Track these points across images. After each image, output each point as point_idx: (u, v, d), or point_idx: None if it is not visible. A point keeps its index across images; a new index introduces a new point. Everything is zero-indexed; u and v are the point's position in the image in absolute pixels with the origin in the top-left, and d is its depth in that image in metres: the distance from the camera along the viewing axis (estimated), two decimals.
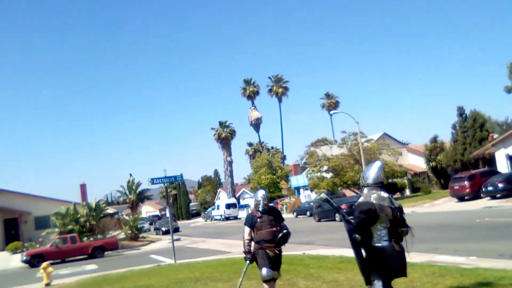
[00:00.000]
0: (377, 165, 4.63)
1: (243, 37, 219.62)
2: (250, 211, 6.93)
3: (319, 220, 28.91)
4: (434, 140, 41.28)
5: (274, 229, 6.34)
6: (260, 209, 6.40)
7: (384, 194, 4.37)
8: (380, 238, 4.24)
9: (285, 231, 6.37)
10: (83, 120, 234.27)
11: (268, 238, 6.29)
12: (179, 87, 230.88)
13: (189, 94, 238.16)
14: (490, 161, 32.78)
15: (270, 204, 7.04)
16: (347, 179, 36.26)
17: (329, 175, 38.93)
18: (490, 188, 25.14)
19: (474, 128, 35.11)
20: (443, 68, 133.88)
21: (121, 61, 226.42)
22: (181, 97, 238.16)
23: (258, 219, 6.37)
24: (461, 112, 36.84)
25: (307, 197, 47.26)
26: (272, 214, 6.50)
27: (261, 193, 6.61)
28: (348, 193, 39.87)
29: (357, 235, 4.27)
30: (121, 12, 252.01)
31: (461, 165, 35.34)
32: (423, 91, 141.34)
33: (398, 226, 4.35)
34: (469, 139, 35.15)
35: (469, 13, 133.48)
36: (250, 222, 6.44)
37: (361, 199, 4.41)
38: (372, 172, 4.53)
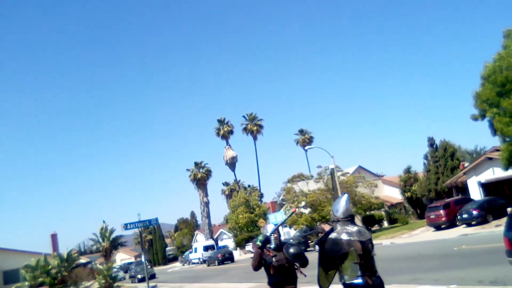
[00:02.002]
0: (344, 198, 4.59)
1: (214, 76, 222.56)
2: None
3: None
4: (408, 171, 41.87)
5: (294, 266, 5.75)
6: (272, 246, 5.73)
7: (353, 228, 4.31)
8: (353, 275, 4.13)
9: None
10: (52, 167, 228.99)
11: (289, 279, 5.68)
12: (151, 129, 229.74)
13: (162, 136, 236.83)
14: (463, 189, 33.32)
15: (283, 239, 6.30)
16: (326, 213, 36.12)
17: (307, 211, 38.74)
18: (465, 216, 25.40)
19: (445, 158, 35.90)
20: (412, 99, 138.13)
21: (91, 105, 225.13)
22: (154, 139, 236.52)
23: (274, 258, 5.67)
24: (431, 142, 37.67)
25: (286, 234, 46.69)
26: None
27: (270, 227, 5.92)
28: (327, 227, 39.64)
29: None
30: (91, 54, 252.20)
31: (435, 194, 35.81)
32: (395, 122, 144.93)
33: (371, 258, 4.25)
34: (441, 168, 35.84)
35: (433, 45, 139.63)
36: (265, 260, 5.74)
37: (332, 235, 4.31)
38: (340, 206, 4.48)
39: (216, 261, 40.24)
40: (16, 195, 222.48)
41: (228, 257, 40.54)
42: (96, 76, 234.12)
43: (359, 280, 4.07)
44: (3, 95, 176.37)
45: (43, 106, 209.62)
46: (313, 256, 5.39)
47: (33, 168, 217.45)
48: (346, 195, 4.69)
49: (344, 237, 4.20)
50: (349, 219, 4.39)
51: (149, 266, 49.66)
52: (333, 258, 4.19)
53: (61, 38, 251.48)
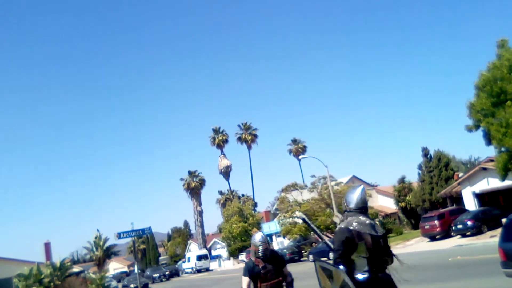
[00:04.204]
0: (360, 188, 4.39)
1: (209, 85, 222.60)
2: (249, 259, 5.81)
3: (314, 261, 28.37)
4: (402, 181, 41.90)
5: (281, 279, 5.55)
6: (261, 255, 5.51)
7: (366, 220, 4.09)
8: (361, 269, 3.94)
9: (290, 279, 5.63)
10: (46, 175, 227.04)
11: None
12: (146, 138, 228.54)
13: (156, 145, 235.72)
14: (457, 199, 33.38)
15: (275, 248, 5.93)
16: (320, 223, 36.05)
17: (301, 220, 38.66)
18: (459, 226, 25.41)
19: (439, 168, 36.01)
20: (406, 109, 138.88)
21: (85, 113, 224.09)
22: (148, 148, 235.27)
23: (262, 269, 5.46)
24: (425, 152, 37.79)
25: (279, 243, 46.55)
26: (276, 261, 5.61)
27: (258, 236, 5.63)
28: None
29: (340, 266, 3.94)
30: (86, 61, 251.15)
31: (430, 204, 35.85)
32: (389, 132, 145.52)
33: (382, 255, 4.05)
34: (435, 178, 35.92)
35: (427, 55, 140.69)
36: (251, 271, 5.46)
37: (341, 225, 4.12)
38: (355, 196, 4.28)
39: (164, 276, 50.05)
40: (9, 203, 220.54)
41: (174, 273, 50.12)
42: (88, 85, 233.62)
43: (365, 275, 3.88)
44: None
45: (35, 115, 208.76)
46: (307, 266, 5.37)
47: (26, 176, 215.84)
48: (362, 186, 4.50)
49: (355, 226, 3.99)
50: (362, 211, 4.18)
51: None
52: (344, 250, 3.95)
53: (56, 41, 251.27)
